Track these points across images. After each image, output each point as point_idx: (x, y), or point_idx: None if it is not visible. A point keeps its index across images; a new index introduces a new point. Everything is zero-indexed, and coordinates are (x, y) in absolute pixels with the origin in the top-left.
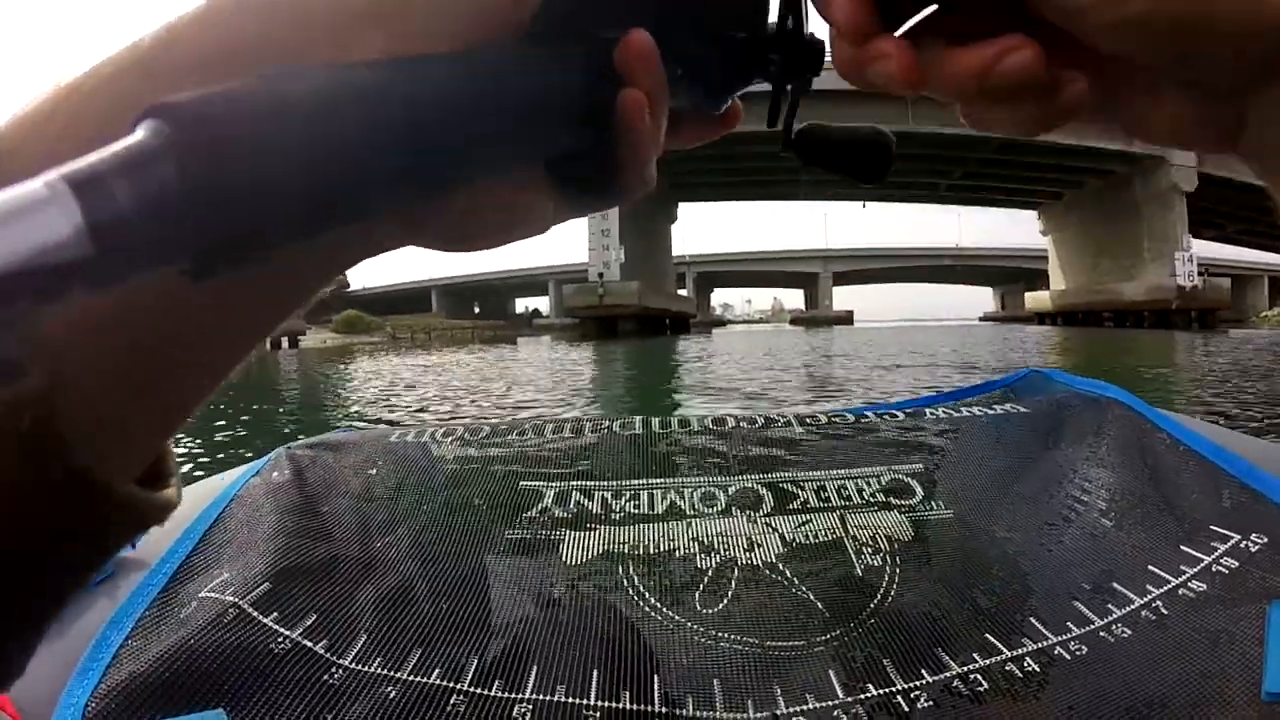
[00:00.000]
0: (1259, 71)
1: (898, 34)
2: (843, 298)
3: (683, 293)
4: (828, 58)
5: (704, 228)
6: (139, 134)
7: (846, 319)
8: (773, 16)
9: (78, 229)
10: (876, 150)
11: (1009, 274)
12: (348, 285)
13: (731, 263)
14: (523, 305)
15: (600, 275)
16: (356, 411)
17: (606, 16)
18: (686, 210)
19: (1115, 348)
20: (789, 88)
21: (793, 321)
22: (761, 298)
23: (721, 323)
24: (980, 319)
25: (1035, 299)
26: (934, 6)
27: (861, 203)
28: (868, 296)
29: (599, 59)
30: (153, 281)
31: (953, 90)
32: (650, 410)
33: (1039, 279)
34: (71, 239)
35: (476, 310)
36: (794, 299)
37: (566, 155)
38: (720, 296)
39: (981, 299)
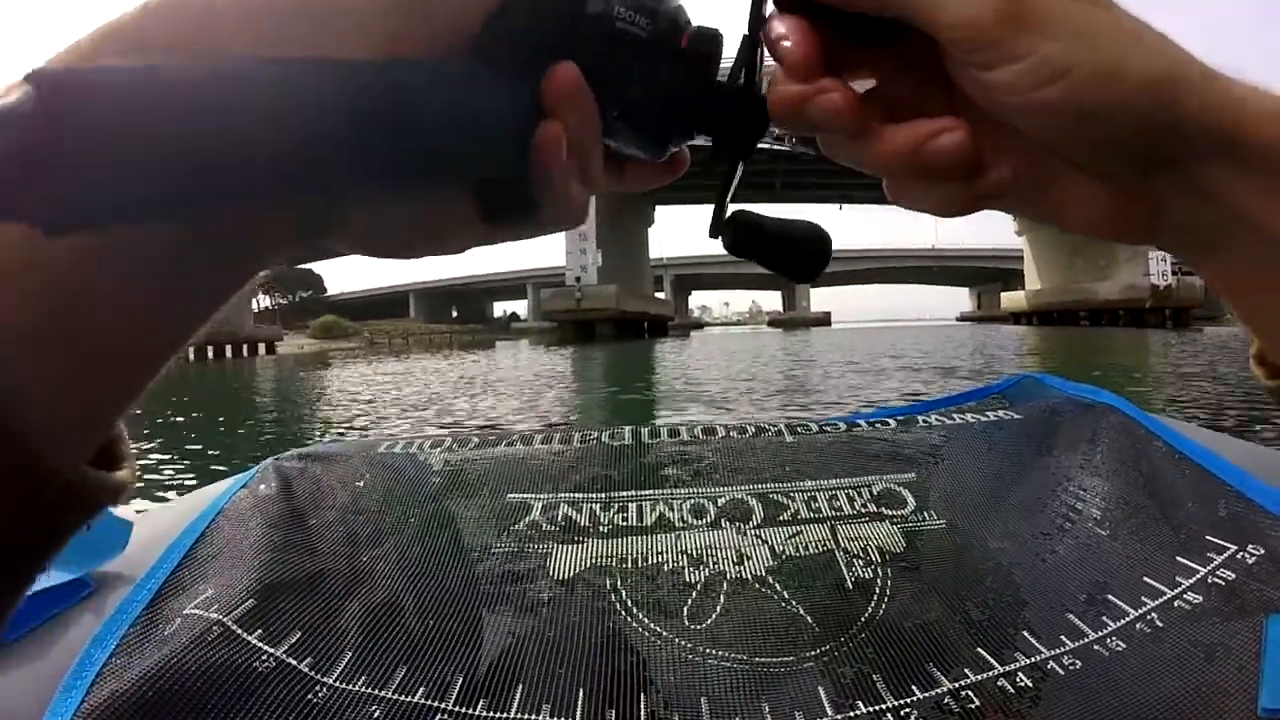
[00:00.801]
0: (1164, 164)
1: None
2: (820, 299)
3: (660, 295)
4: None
5: (681, 230)
6: (11, 95)
7: (824, 320)
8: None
9: None
10: (811, 249)
11: (986, 274)
12: (324, 291)
13: (709, 265)
14: (500, 309)
15: (577, 279)
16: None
17: (544, 50)
18: (663, 213)
19: (1090, 347)
20: (729, 145)
21: (770, 323)
22: (739, 300)
23: (699, 325)
24: (958, 319)
25: (1011, 299)
26: (872, 82)
27: (838, 205)
28: (845, 297)
29: (524, 89)
30: (66, 259)
31: (885, 162)
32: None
33: (1015, 279)
34: None
35: (454, 314)
36: (771, 300)
37: (489, 180)
38: (698, 299)
39: (958, 299)
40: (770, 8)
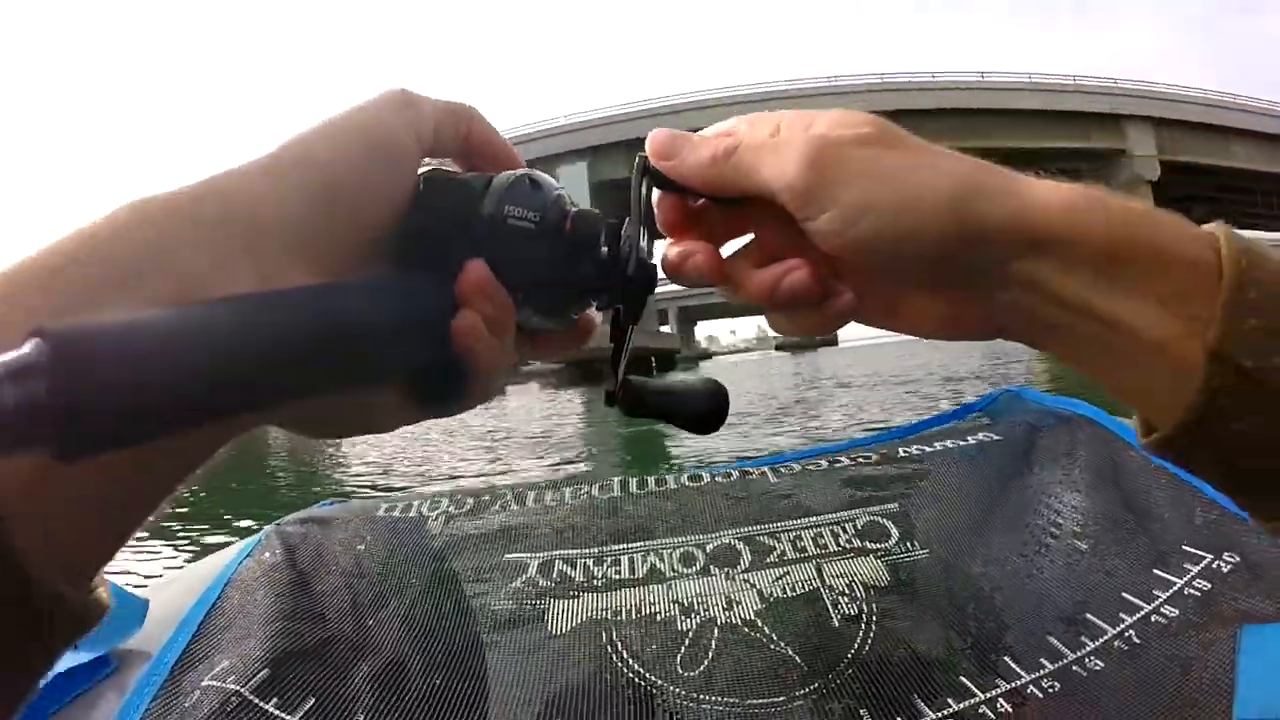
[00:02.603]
0: (981, 268)
1: (721, 249)
2: None
3: (665, 329)
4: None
5: None
6: (26, 348)
7: (831, 340)
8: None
9: None
10: (702, 408)
11: None
12: None
13: (713, 295)
14: None
15: None
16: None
17: (453, 251)
18: (661, 247)
19: None
20: (620, 308)
21: (778, 348)
22: (745, 326)
23: (708, 355)
24: None
25: None
26: (748, 236)
27: None
28: None
29: (441, 288)
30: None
31: (753, 299)
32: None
33: None
34: None
35: None
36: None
37: (418, 369)
38: (704, 328)
39: None
40: (656, 193)
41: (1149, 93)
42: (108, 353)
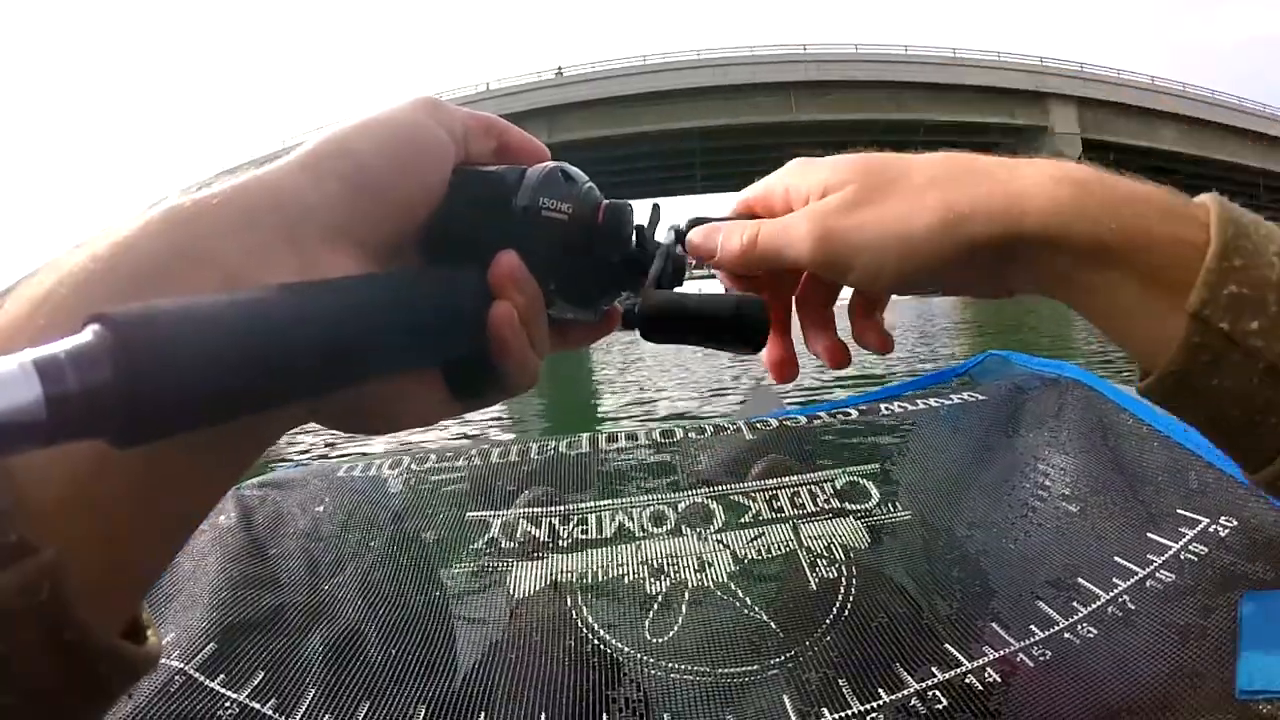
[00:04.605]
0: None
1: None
2: None
3: None
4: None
5: None
6: (86, 334)
7: None
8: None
9: (38, 400)
10: (744, 322)
11: None
12: None
13: None
14: None
15: None
16: None
17: (486, 241)
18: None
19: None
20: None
21: None
22: (688, 288)
23: None
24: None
25: None
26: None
27: None
28: None
29: (475, 279)
30: (104, 455)
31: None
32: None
33: None
34: (32, 406)
35: None
36: (714, 287)
37: (455, 360)
38: None
39: None
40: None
41: (1076, 73)
42: (166, 336)
